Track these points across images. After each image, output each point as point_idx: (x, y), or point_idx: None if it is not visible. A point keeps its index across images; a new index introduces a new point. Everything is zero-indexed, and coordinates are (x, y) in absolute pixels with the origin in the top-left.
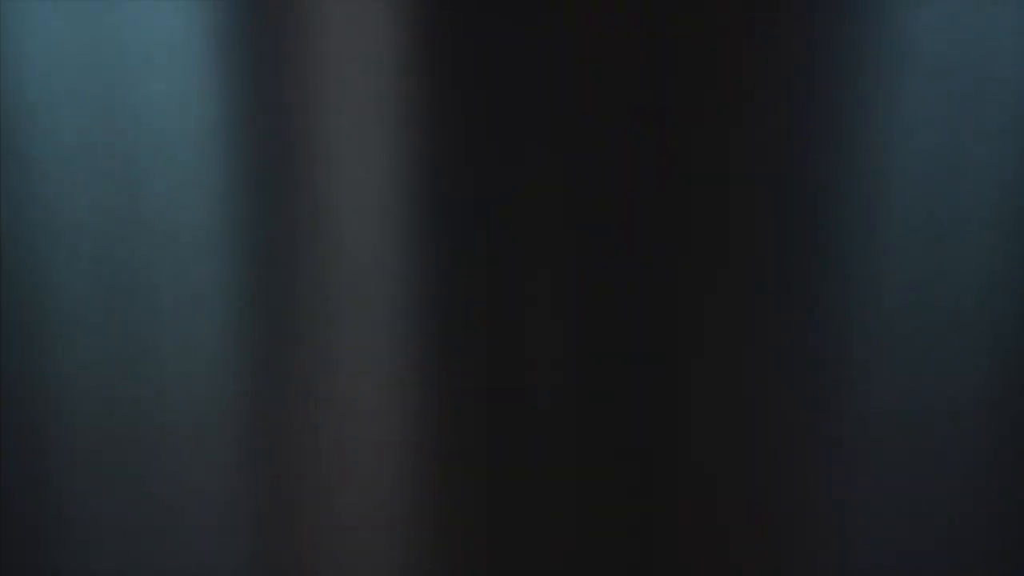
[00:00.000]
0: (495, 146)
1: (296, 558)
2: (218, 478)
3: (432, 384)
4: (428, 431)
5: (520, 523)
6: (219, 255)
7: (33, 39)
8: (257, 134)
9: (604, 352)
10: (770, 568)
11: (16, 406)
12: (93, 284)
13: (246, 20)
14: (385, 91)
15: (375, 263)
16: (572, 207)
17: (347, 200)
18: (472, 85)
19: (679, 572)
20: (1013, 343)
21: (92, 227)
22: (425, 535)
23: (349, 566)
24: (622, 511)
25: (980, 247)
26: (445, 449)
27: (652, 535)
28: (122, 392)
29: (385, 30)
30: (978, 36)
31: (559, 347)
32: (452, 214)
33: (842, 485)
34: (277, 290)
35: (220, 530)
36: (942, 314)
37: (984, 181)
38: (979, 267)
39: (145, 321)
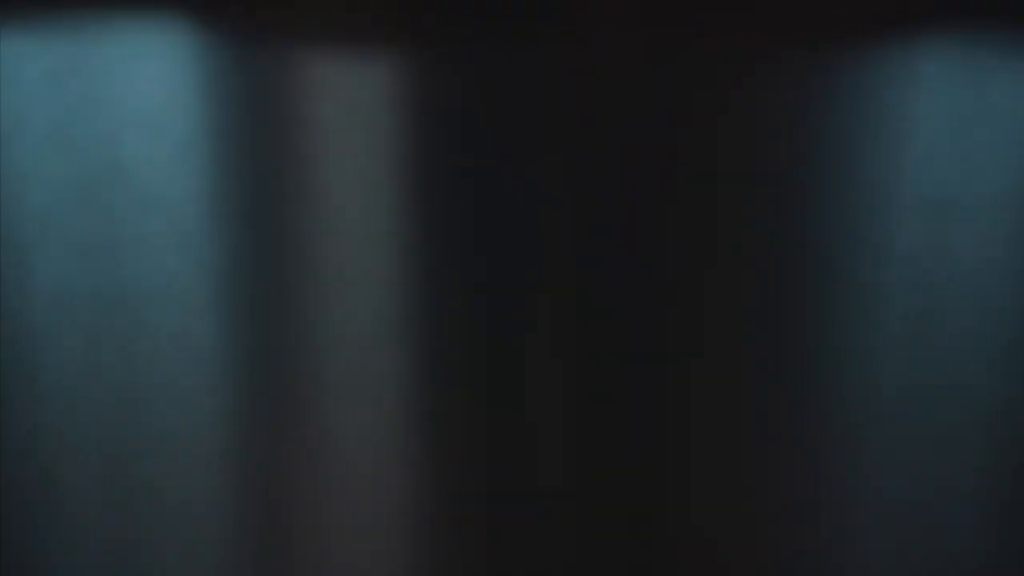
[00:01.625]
0: (493, 210)
1: None
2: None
3: (432, 458)
4: (429, 505)
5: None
6: (213, 320)
7: (26, 104)
8: (250, 203)
9: (601, 424)
10: None
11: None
12: (87, 362)
13: (241, 85)
14: (382, 155)
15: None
16: (570, 274)
17: (346, 269)
18: (470, 150)
19: None
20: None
21: (79, 299)
22: None
23: None
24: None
25: (972, 324)
26: (446, 522)
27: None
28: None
29: (381, 92)
30: (971, 118)
31: (558, 426)
32: (450, 283)
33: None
34: (274, 364)
35: None
36: (939, 393)
37: (976, 258)
38: (972, 344)
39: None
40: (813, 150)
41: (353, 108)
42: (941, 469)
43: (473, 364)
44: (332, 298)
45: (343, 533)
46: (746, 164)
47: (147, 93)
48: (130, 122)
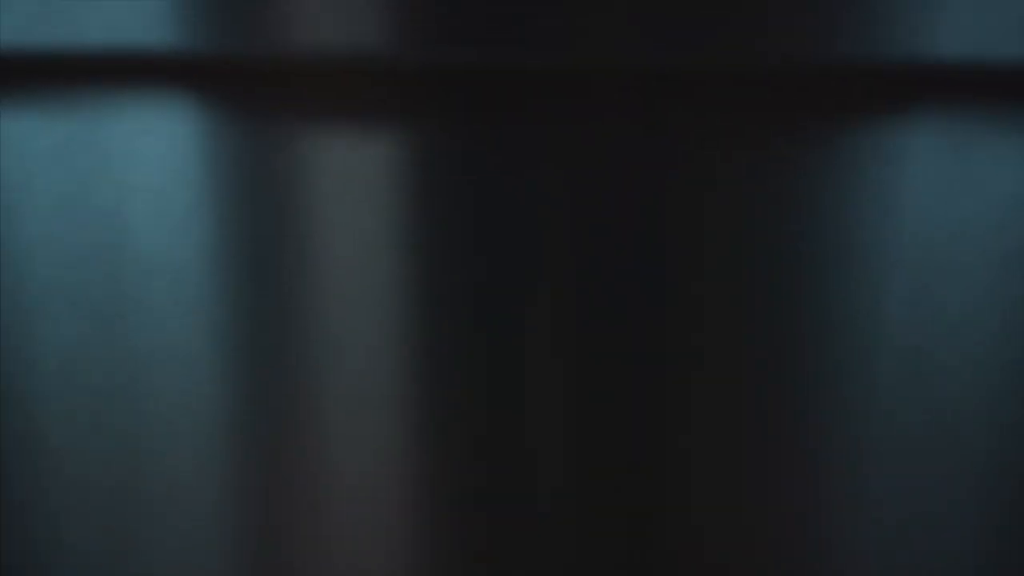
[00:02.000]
0: (492, 283)
1: None
2: None
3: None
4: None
5: None
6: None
7: (33, 177)
8: (254, 272)
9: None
10: None
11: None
12: (87, 407)
13: (245, 159)
14: (383, 228)
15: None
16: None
17: (345, 344)
18: (469, 225)
19: None
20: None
21: (84, 364)
22: None
23: None
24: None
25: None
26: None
27: None
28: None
29: (383, 167)
30: (957, 189)
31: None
32: (449, 353)
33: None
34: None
35: None
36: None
37: (963, 321)
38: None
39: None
40: (805, 220)
41: (354, 182)
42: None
43: (473, 429)
44: (334, 363)
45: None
46: (740, 234)
47: (152, 167)
48: (136, 195)
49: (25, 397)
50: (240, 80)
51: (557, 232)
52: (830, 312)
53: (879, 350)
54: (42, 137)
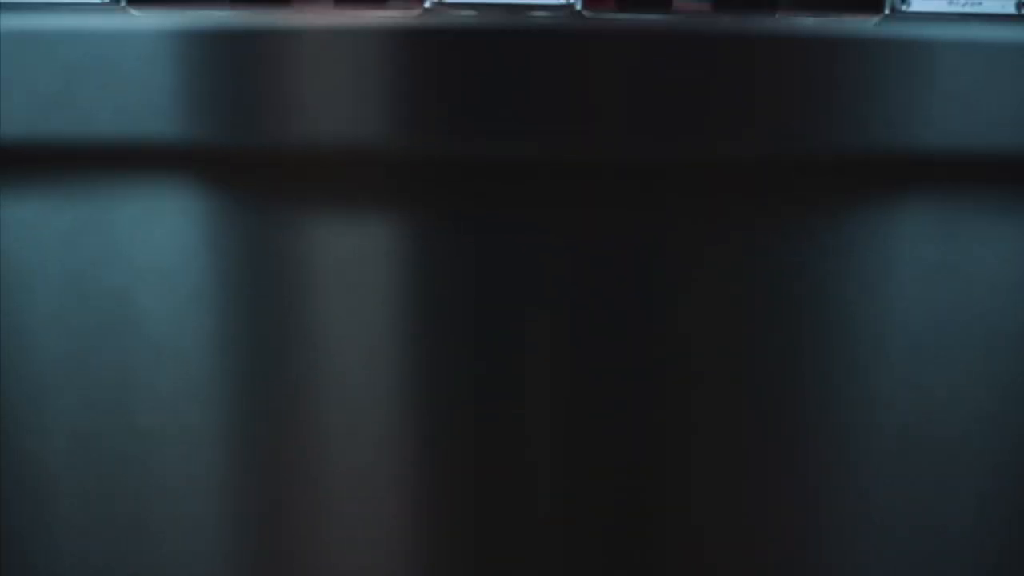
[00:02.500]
0: (489, 366)
1: None
2: None
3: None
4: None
5: None
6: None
7: (31, 256)
8: (257, 353)
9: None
10: None
11: None
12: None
13: (248, 242)
14: (382, 310)
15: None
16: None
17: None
18: (465, 309)
19: None
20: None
21: (92, 444)
22: None
23: None
24: None
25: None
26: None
27: None
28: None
29: (381, 251)
30: (947, 270)
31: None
32: (447, 431)
33: None
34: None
35: None
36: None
37: (951, 400)
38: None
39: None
40: (797, 302)
41: (354, 267)
42: None
43: (473, 512)
44: (337, 440)
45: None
46: (732, 320)
47: (159, 252)
48: (142, 278)
49: (34, 475)
50: (243, 168)
51: (551, 314)
52: (821, 392)
53: (868, 429)
54: (53, 221)
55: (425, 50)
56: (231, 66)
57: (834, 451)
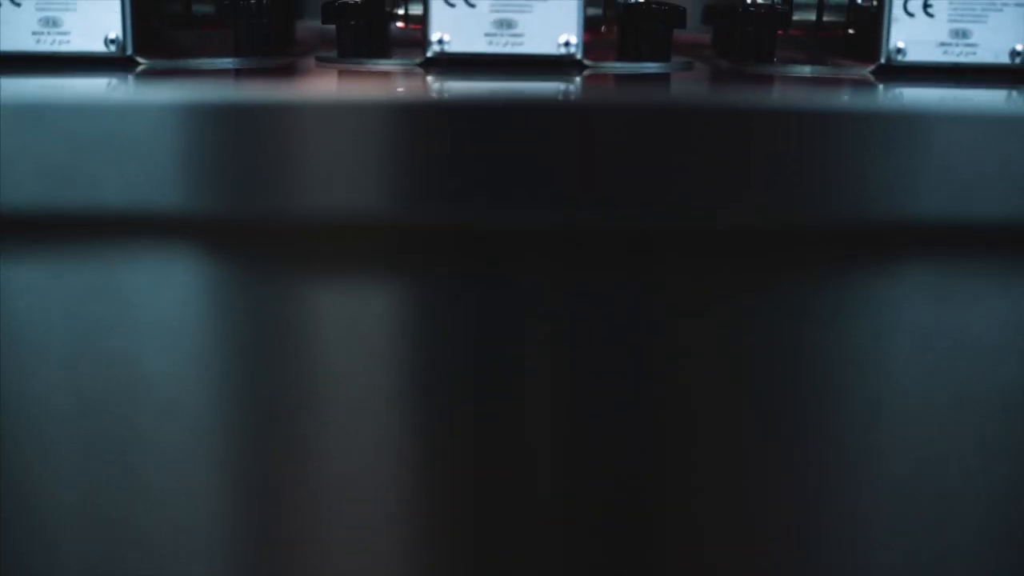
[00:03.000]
0: (488, 426)
1: None
2: None
3: None
4: None
5: None
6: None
7: (35, 311)
8: (261, 412)
9: None
10: None
11: None
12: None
13: (251, 305)
14: (382, 371)
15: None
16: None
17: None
18: (466, 372)
19: None
20: None
21: (100, 499)
22: None
23: None
24: None
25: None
26: None
27: None
28: None
29: (381, 313)
30: (941, 333)
31: None
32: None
33: None
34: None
35: None
36: None
37: (942, 457)
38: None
39: None
40: (794, 365)
41: (355, 331)
42: None
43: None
44: (339, 500)
45: None
46: (728, 382)
47: (165, 316)
48: (146, 341)
49: (45, 537)
50: (246, 236)
51: (550, 377)
52: (817, 453)
53: (861, 488)
54: (61, 286)
55: (424, 125)
56: (234, 139)
57: (829, 513)
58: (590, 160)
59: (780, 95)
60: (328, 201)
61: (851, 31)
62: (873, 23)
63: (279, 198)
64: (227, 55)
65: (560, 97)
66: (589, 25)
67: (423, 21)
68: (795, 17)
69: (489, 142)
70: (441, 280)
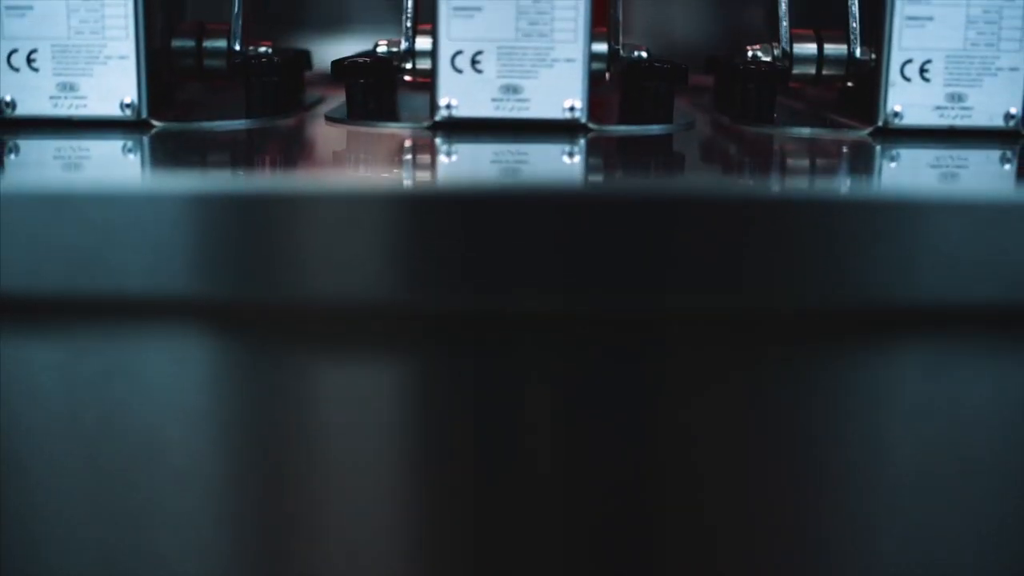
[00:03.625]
0: (488, 504)
1: None
2: None
3: None
4: None
5: None
6: None
7: (39, 379)
8: (267, 483)
9: None
10: None
11: None
12: None
13: (259, 383)
14: (385, 447)
15: None
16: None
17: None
18: (467, 450)
19: None
20: None
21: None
22: None
23: None
24: None
25: None
26: None
27: None
28: None
29: (387, 397)
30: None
31: None
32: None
33: None
34: None
35: None
36: None
37: (939, 526)
38: None
39: None
40: (799, 436)
41: (361, 409)
42: None
43: None
44: (348, 567)
45: None
46: (734, 451)
47: (180, 394)
48: (162, 417)
49: None
50: (257, 318)
51: (550, 460)
52: (817, 526)
53: (857, 560)
54: (81, 366)
55: (428, 214)
56: (247, 227)
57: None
58: (592, 247)
59: (780, 183)
60: (335, 286)
61: (850, 84)
62: (871, 81)
63: (291, 283)
64: (238, 113)
65: (561, 188)
66: (592, 78)
67: (431, 84)
68: (795, 71)
69: (496, 231)
70: (446, 362)
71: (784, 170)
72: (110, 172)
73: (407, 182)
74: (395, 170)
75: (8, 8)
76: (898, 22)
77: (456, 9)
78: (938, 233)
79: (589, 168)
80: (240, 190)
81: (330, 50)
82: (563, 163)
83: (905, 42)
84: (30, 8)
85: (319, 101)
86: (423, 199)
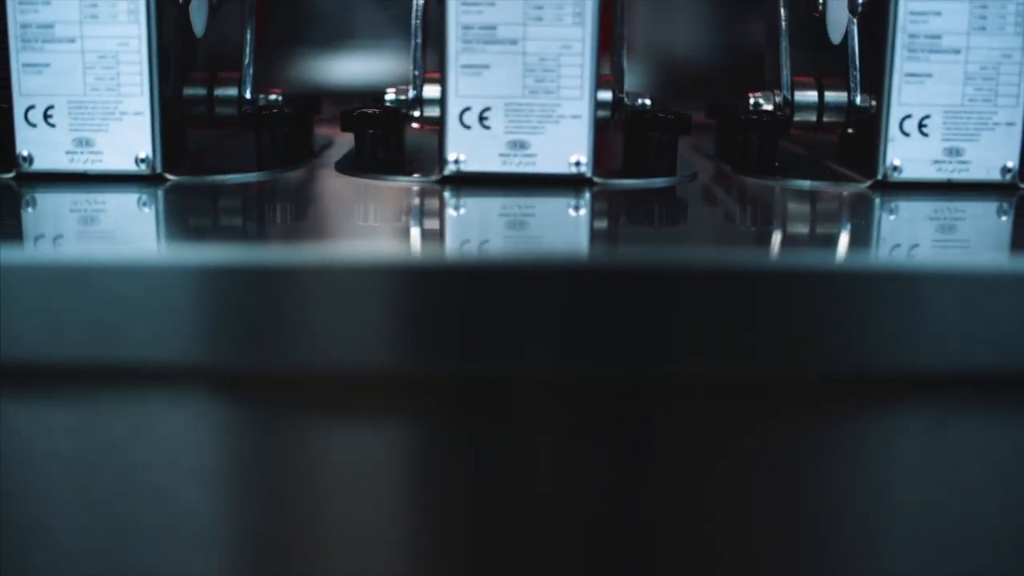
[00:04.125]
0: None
1: None
2: None
3: None
4: None
5: None
6: None
7: (41, 446)
8: (271, 540)
9: None
10: None
11: None
12: None
13: (260, 446)
14: (381, 507)
15: None
16: None
17: None
18: (467, 517)
19: None
20: None
21: None
22: None
23: None
24: None
25: None
26: None
27: None
28: None
29: (387, 462)
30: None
31: None
32: None
33: None
34: None
35: None
36: None
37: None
38: None
39: None
40: (805, 496)
41: (361, 472)
42: None
43: None
44: None
45: None
46: (743, 512)
47: (186, 459)
48: (180, 478)
49: None
50: (260, 386)
51: (552, 521)
52: None
53: None
54: (99, 430)
55: (433, 286)
56: (260, 298)
57: None
58: (595, 316)
59: (783, 254)
60: (342, 353)
61: (850, 131)
62: (871, 130)
63: (303, 352)
64: (250, 165)
65: (565, 261)
66: (597, 125)
67: (440, 139)
68: (796, 118)
69: (502, 302)
70: (442, 428)
71: (785, 235)
72: (124, 241)
73: (414, 253)
74: (402, 240)
75: (25, 66)
76: (897, 79)
77: (464, 67)
78: (935, 302)
79: (594, 233)
80: (249, 263)
81: (332, 65)
82: (568, 222)
83: (904, 98)
84: (47, 65)
85: (328, 145)
86: (429, 272)
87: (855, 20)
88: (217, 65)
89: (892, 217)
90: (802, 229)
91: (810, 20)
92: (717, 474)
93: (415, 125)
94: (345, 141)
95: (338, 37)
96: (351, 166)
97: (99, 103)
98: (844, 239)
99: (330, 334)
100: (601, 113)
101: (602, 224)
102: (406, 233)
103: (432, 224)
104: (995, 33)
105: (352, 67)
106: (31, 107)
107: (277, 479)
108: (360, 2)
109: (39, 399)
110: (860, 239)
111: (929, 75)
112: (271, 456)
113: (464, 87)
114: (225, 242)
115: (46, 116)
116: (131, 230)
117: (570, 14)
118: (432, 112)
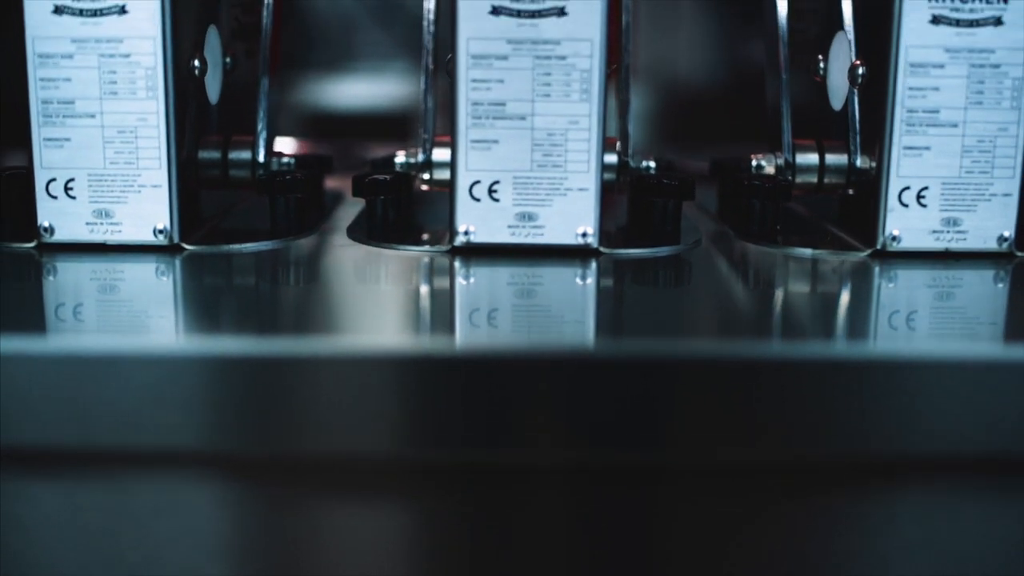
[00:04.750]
0: None
1: None
2: None
3: None
4: None
5: None
6: None
7: (105, 538)
8: None
9: None
10: None
11: None
12: None
13: (264, 523)
14: None
15: None
16: None
17: None
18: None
19: None
20: None
21: None
22: None
23: None
24: None
25: None
26: None
27: None
28: None
29: (388, 541)
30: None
31: None
32: None
33: None
34: None
35: None
36: None
37: None
38: None
39: None
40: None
41: (361, 552)
42: None
43: None
44: None
45: None
46: None
47: (192, 539)
48: (201, 557)
49: None
50: (265, 469)
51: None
52: None
53: None
54: (122, 511)
55: (440, 377)
56: (270, 387)
57: None
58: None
59: (782, 344)
60: (356, 441)
61: (851, 191)
62: (872, 197)
63: (312, 438)
64: (263, 233)
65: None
66: (603, 187)
67: (450, 211)
68: (798, 179)
69: (511, 391)
70: (444, 513)
71: (786, 321)
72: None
73: (423, 346)
74: (409, 327)
75: (47, 140)
76: (896, 152)
77: (474, 142)
78: (934, 389)
79: (599, 320)
80: (261, 354)
81: (337, 89)
82: (576, 299)
83: (903, 170)
84: (67, 140)
85: (339, 200)
86: (438, 364)
87: (856, 90)
88: (231, 109)
89: (891, 286)
90: (803, 310)
91: (811, 82)
92: (720, 559)
93: (424, 188)
94: (356, 204)
95: (343, 59)
96: (362, 233)
97: (118, 176)
98: (843, 323)
99: (337, 421)
100: (606, 175)
101: (607, 307)
102: (415, 319)
103: (442, 302)
104: (991, 107)
105: (356, 90)
106: (52, 180)
107: (285, 559)
108: (364, 24)
109: (63, 481)
110: (859, 323)
111: (927, 148)
112: (280, 536)
113: (474, 161)
114: (237, 334)
115: (67, 189)
116: (147, 320)
117: (577, 90)
118: (442, 175)
